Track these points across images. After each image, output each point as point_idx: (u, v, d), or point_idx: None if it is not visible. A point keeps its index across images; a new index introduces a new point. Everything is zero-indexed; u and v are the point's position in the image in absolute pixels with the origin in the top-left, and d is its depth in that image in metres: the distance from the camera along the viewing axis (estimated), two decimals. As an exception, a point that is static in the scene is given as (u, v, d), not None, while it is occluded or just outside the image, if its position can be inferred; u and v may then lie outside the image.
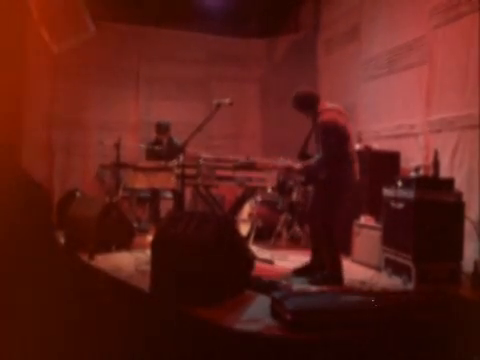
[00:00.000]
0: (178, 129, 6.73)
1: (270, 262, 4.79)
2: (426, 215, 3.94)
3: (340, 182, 4.00)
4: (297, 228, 5.92)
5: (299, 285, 3.88)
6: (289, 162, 4.21)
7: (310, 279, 4.02)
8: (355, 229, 4.96)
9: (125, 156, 6.13)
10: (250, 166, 4.33)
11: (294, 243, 5.89)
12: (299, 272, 4.31)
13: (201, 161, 4.40)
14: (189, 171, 4.35)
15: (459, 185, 4.26)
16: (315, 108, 4.08)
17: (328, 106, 4.12)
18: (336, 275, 3.98)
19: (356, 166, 4.10)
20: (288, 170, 4.21)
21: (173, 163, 4.79)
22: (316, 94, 4.19)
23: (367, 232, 4.79)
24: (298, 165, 4.11)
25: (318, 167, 3.99)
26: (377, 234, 4.57)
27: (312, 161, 4.04)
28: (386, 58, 5.95)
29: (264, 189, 5.26)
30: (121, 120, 7.76)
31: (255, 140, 8.45)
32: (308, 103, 4.10)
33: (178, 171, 4.33)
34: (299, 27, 8.48)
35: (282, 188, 5.95)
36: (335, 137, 3.94)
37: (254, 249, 5.01)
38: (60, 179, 7.46)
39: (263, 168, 4.35)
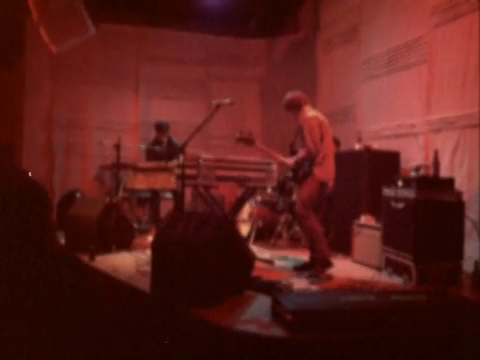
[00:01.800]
0: (178, 129, 6.73)
1: (270, 262, 4.79)
2: (426, 215, 3.94)
3: (318, 175, 4.24)
4: (297, 228, 5.91)
5: (299, 285, 3.88)
6: (281, 157, 4.55)
7: (307, 278, 4.08)
8: (355, 229, 4.96)
9: (125, 156, 6.14)
10: (250, 141, 4.51)
11: (294, 243, 5.89)
12: (299, 269, 4.39)
13: (201, 161, 4.40)
14: (189, 171, 4.35)
15: (459, 185, 4.26)
16: (300, 110, 4.40)
17: (311, 110, 4.44)
18: (323, 260, 4.22)
19: (333, 165, 4.33)
20: (282, 164, 4.63)
21: (173, 163, 4.78)
22: (302, 97, 4.45)
23: (367, 232, 4.79)
24: (290, 161, 4.44)
25: (305, 158, 4.30)
26: (377, 234, 4.57)
27: (300, 155, 4.38)
28: (386, 58, 5.95)
29: (264, 189, 5.27)
30: (121, 121, 7.77)
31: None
32: (294, 105, 4.42)
33: (178, 171, 4.33)
34: (299, 27, 8.49)
35: (282, 188, 5.97)
36: (318, 132, 4.26)
37: (254, 249, 5.01)
38: (60, 180, 7.46)
39: (262, 151, 4.65)
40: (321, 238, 4.26)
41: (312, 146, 4.20)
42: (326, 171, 4.27)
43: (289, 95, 4.45)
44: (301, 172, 4.30)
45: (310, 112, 4.36)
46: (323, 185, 4.30)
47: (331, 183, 4.41)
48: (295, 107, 4.40)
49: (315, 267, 4.23)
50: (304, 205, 4.25)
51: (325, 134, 4.29)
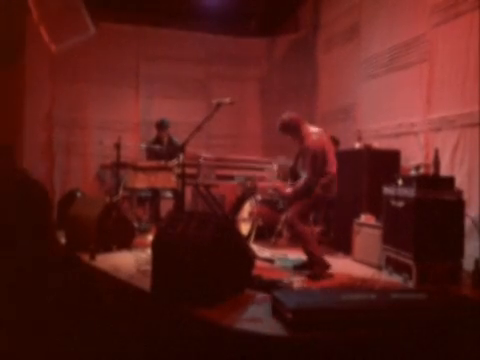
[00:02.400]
0: (178, 128, 6.73)
1: (271, 261, 4.79)
2: (427, 214, 3.94)
3: (318, 194, 4.26)
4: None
5: (300, 284, 3.88)
6: (280, 187, 4.50)
7: (307, 277, 4.10)
8: (355, 228, 4.96)
9: (125, 156, 6.13)
10: (253, 190, 4.72)
11: (294, 242, 5.88)
12: (298, 268, 4.40)
13: (201, 160, 4.41)
14: (189, 171, 4.35)
15: (459, 183, 4.26)
16: (299, 131, 4.34)
17: (312, 130, 4.37)
18: (320, 262, 4.21)
19: (334, 184, 4.34)
20: (278, 193, 4.59)
21: (173, 163, 4.79)
22: (299, 118, 4.41)
23: (367, 231, 4.79)
24: (288, 191, 4.37)
25: (305, 187, 4.26)
26: (377, 233, 4.57)
27: (298, 184, 4.31)
28: (386, 56, 5.95)
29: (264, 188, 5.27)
30: (121, 120, 7.77)
31: (255, 139, 8.46)
32: (292, 127, 4.36)
33: (178, 171, 4.33)
34: (299, 26, 8.48)
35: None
36: (321, 160, 4.25)
37: (255, 248, 5.01)
38: (60, 179, 7.47)
39: (265, 188, 4.75)
40: (311, 240, 4.30)
41: (312, 176, 4.20)
42: (329, 191, 4.29)
43: (285, 116, 4.40)
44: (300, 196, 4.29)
45: (314, 135, 4.30)
46: (321, 200, 4.35)
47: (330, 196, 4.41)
48: (293, 129, 4.36)
49: (314, 267, 4.22)
50: (298, 215, 4.25)
51: (328, 153, 4.30)
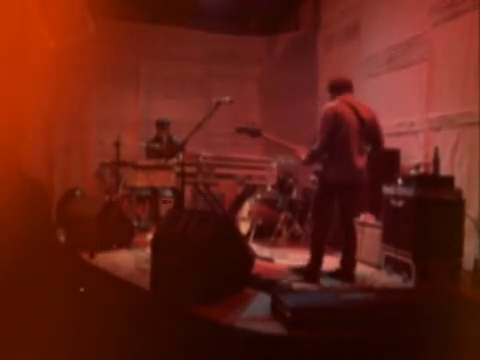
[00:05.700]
0: (178, 127, 6.72)
1: (270, 260, 4.79)
2: (426, 213, 3.94)
3: (327, 178, 3.93)
4: (297, 226, 5.92)
5: (299, 283, 3.88)
6: (297, 150, 4.11)
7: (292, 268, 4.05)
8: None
9: (125, 154, 6.12)
10: (254, 132, 4.41)
11: (294, 241, 5.89)
12: (295, 270, 4.26)
13: (201, 159, 4.40)
14: (189, 169, 4.35)
15: (459, 183, 4.25)
16: (335, 95, 4.08)
17: (343, 98, 4.03)
18: (311, 273, 3.95)
19: (355, 163, 3.93)
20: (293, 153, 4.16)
21: (173, 161, 4.78)
22: (345, 82, 4.12)
23: (367, 230, 4.79)
24: (303, 155, 4.06)
25: (313, 155, 3.97)
26: (377, 232, 4.57)
27: (310, 150, 4.00)
28: (386, 56, 5.94)
29: (264, 187, 5.27)
30: (121, 118, 7.77)
31: (255, 138, 8.44)
32: (332, 87, 4.14)
33: (178, 169, 4.33)
34: (299, 25, 8.48)
35: (282, 186, 5.96)
36: (328, 127, 3.86)
37: (254, 247, 5.01)
38: (60, 178, 7.47)
39: (269, 141, 4.44)
40: (317, 242, 4.03)
41: (321, 146, 3.86)
42: (340, 176, 3.88)
43: (334, 77, 4.20)
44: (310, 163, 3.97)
45: (331, 103, 3.97)
46: (334, 187, 3.92)
47: (350, 182, 3.94)
48: (330, 90, 4.11)
49: (305, 270, 4.03)
50: (314, 204, 4.04)
51: (342, 128, 3.86)
